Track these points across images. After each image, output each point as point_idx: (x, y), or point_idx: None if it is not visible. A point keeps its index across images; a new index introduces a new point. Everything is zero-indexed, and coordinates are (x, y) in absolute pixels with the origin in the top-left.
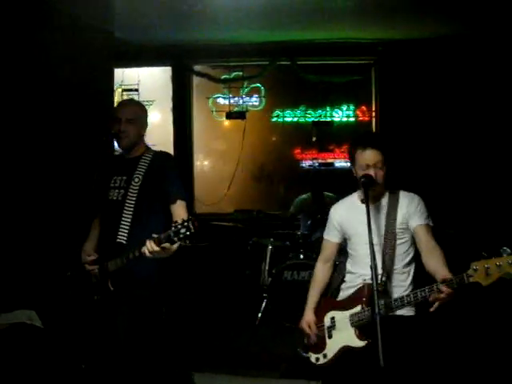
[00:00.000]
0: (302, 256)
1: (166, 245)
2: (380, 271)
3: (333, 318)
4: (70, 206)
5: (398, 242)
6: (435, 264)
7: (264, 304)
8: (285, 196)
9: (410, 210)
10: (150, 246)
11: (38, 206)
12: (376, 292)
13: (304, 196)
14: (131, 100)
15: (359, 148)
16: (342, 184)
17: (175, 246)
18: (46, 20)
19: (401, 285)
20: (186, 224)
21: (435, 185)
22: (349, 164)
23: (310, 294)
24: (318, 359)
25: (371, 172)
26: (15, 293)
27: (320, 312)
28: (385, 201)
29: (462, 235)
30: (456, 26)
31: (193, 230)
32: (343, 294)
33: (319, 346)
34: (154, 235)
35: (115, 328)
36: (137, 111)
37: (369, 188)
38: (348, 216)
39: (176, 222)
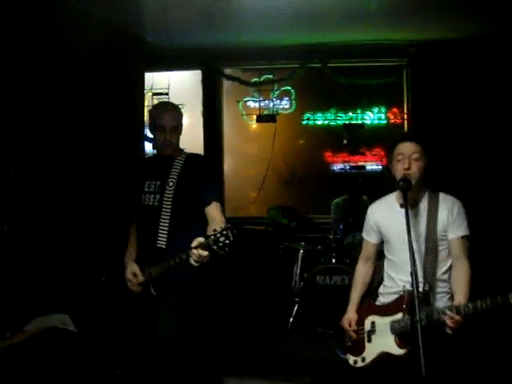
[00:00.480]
0: (334, 260)
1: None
2: (421, 279)
3: (373, 323)
4: (104, 210)
5: (440, 248)
6: (457, 285)
7: (296, 308)
8: (316, 199)
9: (449, 219)
10: (197, 253)
11: (73, 210)
12: (417, 299)
13: (338, 200)
14: (171, 105)
15: (395, 144)
16: (373, 187)
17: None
18: (77, 26)
19: (442, 291)
20: (224, 233)
21: (469, 188)
22: (380, 167)
23: (352, 293)
24: (356, 362)
25: (406, 163)
26: (49, 297)
27: (361, 315)
28: (424, 204)
29: (495, 240)
30: (489, 25)
31: (232, 239)
32: (383, 300)
33: (358, 349)
34: (198, 240)
35: (159, 331)
36: (179, 117)
37: (407, 192)
38: (386, 219)
39: (215, 230)
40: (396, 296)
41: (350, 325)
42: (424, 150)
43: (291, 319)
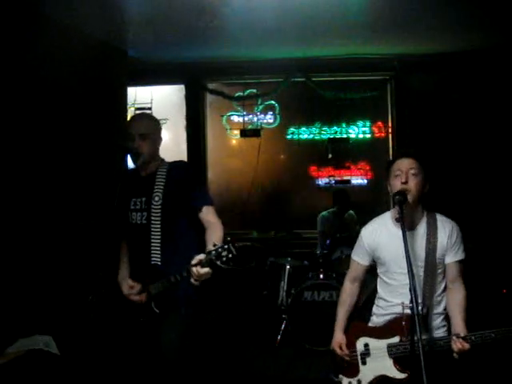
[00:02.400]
0: (322, 276)
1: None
2: (419, 301)
3: (367, 345)
4: (88, 228)
5: (438, 271)
6: (454, 317)
7: (283, 325)
8: (301, 214)
9: (449, 243)
10: (196, 272)
11: (57, 228)
12: (417, 322)
13: (325, 212)
14: (143, 114)
15: (393, 160)
16: (358, 201)
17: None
18: (59, 40)
19: (437, 312)
20: (226, 247)
21: (454, 199)
22: (366, 181)
23: (338, 314)
24: (350, 383)
25: (403, 177)
26: (33, 317)
27: (351, 336)
28: (423, 226)
29: (481, 249)
30: (473, 40)
31: (235, 253)
32: (377, 320)
33: (352, 371)
34: (198, 258)
35: (163, 348)
36: (150, 125)
37: (403, 205)
38: (382, 241)
39: (215, 245)
40: (390, 318)
41: (340, 348)
42: (422, 167)
43: (279, 336)
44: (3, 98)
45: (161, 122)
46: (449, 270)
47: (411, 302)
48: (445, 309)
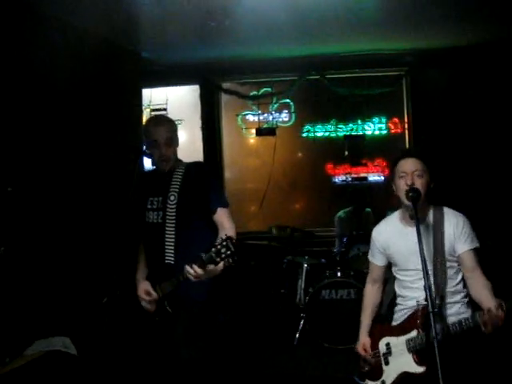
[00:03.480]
0: (339, 274)
1: (211, 266)
2: (433, 294)
3: (388, 344)
4: (104, 230)
5: (448, 264)
6: (484, 298)
7: (301, 324)
8: (318, 212)
9: (456, 234)
10: (193, 271)
11: (73, 230)
12: (432, 314)
13: (341, 213)
14: (162, 118)
15: (398, 161)
16: (375, 198)
17: (220, 265)
18: (73, 43)
19: (451, 301)
20: (224, 244)
21: (472, 196)
22: (382, 177)
23: (362, 316)
24: None
25: (409, 179)
26: (49, 319)
27: (374, 338)
28: (429, 221)
29: (500, 246)
30: (488, 33)
31: (232, 249)
32: (396, 317)
33: (376, 373)
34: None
35: (179, 348)
36: (171, 129)
37: (417, 202)
38: (392, 241)
39: (215, 241)
40: (408, 313)
41: (365, 350)
42: (426, 166)
43: (297, 335)
44: (17, 101)
45: (176, 122)
46: (464, 261)
47: (426, 299)
48: (464, 297)
